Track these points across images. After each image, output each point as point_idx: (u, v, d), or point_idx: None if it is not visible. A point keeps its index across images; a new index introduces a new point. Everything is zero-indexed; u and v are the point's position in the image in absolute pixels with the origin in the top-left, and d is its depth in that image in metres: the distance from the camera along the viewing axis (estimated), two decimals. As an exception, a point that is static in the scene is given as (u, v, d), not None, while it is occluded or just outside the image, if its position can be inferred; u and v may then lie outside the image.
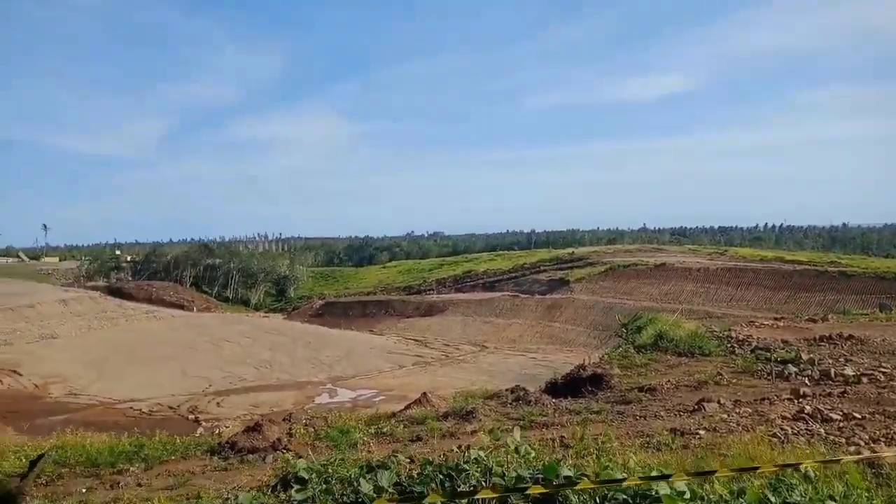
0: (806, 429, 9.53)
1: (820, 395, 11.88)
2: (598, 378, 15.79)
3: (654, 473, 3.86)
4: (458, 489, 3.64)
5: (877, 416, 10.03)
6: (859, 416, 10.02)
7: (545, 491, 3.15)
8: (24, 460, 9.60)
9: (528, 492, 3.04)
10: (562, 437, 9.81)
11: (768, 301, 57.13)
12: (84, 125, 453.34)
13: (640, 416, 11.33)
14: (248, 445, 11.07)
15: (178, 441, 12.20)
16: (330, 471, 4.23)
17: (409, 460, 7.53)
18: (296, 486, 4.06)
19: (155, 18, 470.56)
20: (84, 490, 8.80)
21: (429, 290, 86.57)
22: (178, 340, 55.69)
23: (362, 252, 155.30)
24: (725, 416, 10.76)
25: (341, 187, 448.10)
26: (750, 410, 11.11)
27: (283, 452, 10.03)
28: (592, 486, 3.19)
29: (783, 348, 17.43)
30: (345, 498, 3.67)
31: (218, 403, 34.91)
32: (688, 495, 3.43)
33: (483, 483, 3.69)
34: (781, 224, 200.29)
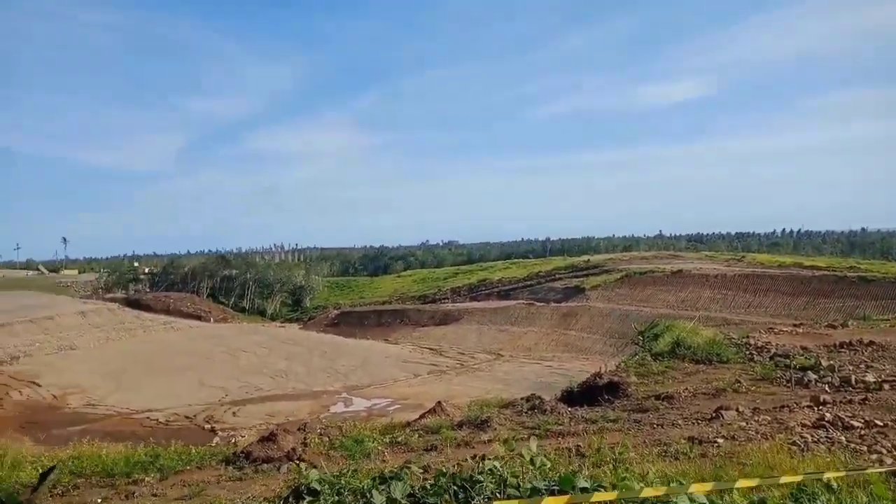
0: (826, 437, 9.36)
1: (840, 402, 11.67)
2: (614, 386, 15.63)
3: (672, 484, 3.79)
4: (473, 501, 3.59)
5: (900, 423, 9.83)
6: (881, 424, 9.82)
7: (561, 502, 3.09)
8: (40, 471, 9.65)
9: None
10: (578, 446, 9.70)
11: (787, 307, 56.49)
12: (103, 139, 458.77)
13: (658, 425, 11.19)
14: (262, 455, 11.05)
15: (194, 451, 12.19)
16: (343, 482, 4.19)
17: (423, 470, 7.48)
18: (308, 498, 4.03)
19: (173, 33, 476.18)
20: (99, 500, 8.81)
21: (444, 298, 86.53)
22: (196, 351, 56.05)
23: (377, 262, 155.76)
24: (744, 424, 10.60)
25: (356, 197, 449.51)
26: (769, 418, 10.94)
27: (296, 463, 10.00)
28: (609, 496, 3.12)
29: (802, 355, 17.18)
30: (357, 509, 3.63)
31: (234, 413, 35.05)
32: (707, 506, 3.36)
33: (497, 495, 3.63)
34: (799, 229, 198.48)
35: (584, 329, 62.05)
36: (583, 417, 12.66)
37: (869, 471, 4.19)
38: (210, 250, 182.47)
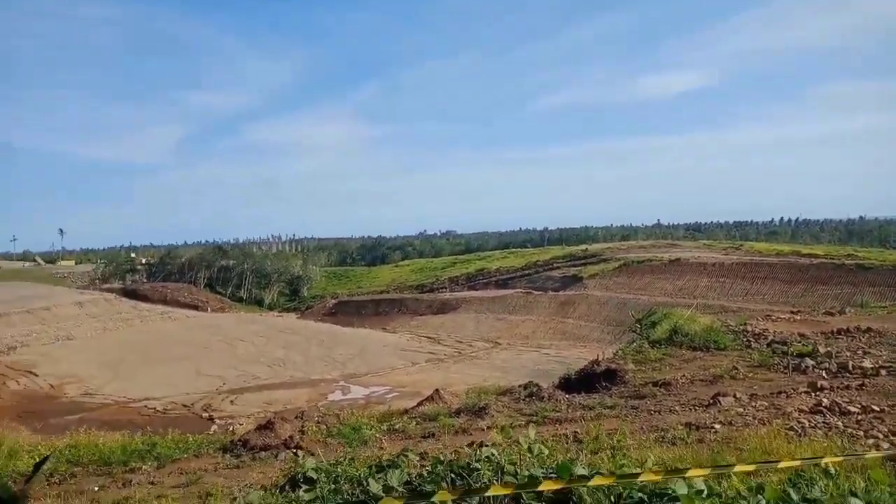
0: (823, 422, 9.38)
1: (837, 388, 11.71)
2: (612, 373, 15.66)
3: (670, 470, 3.76)
4: (470, 488, 3.56)
5: (896, 409, 9.85)
6: (878, 409, 9.85)
7: (559, 488, 3.06)
8: (37, 459, 9.64)
9: (541, 488, 2.95)
10: (575, 432, 9.71)
11: (785, 295, 56.59)
12: (101, 133, 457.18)
13: (655, 411, 11.21)
14: (260, 443, 11.05)
15: (191, 439, 12.21)
16: (339, 470, 4.17)
17: (419, 457, 7.47)
18: (304, 486, 4.00)
19: (173, 28, 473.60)
20: (96, 488, 8.81)
21: (441, 288, 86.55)
22: (193, 340, 56.03)
23: (375, 251, 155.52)
24: (741, 409, 10.63)
25: (354, 188, 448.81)
26: (766, 404, 10.97)
27: (293, 451, 9.99)
28: (607, 482, 3.09)
29: (800, 342, 17.23)
30: (354, 498, 3.60)
31: (232, 401, 35.06)
32: (705, 493, 3.33)
33: (495, 482, 3.60)
34: (797, 218, 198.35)
35: (581, 317, 62.13)
36: (580, 404, 12.67)
37: (867, 456, 4.17)
38: (207, 241, 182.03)
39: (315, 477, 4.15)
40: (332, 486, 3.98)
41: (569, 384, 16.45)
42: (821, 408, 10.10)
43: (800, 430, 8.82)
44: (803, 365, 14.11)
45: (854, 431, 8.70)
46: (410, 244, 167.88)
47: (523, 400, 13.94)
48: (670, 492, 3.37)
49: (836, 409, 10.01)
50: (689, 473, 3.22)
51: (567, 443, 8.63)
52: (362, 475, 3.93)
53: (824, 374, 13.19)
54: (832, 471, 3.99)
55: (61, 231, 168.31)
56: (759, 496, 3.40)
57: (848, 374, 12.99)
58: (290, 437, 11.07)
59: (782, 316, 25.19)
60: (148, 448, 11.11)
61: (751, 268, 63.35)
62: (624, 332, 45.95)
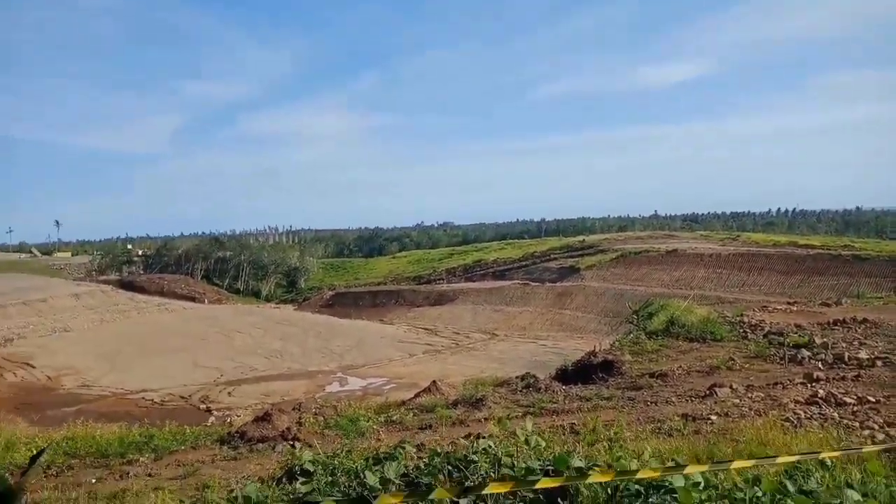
0: (819, 413, 9.41)
1: (833, 379, 11.74)
2: (608, 364, 15.69)
3: (668, 463, 3.76)
4: (467, 482, 3.56)
5: (891, 399, 9.90)
6: (874, 400, 9.89)
7: (557, 485, 3.05)
8: (34, 451, 9.63)
9: (538, 486, 2.94)
10: (572, 424, 9.74)
11: (781, 286, 56.69)
12: (99, 123, 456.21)
13: (652, 402, 11.24)
14: (257, 435, 11.06)
15: (188, 431, 12.21)
16: (336, 462, 4.16)
17: (417, 448, 7.47)
18: (301, 479, 3.99)
19: (173, 17, 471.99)
20: (94, 480, 8.81)
21: (439, 279, 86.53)
22: (190, 332, 56.01)
23: (372, 243, 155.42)
24: (738, 400, 10.65)
25: (352, 180, 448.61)
26: (762, 395, 11.00)
27: (290, 443, 10.00)
28: (604, 478, 3.09)
29: (796, 333, 17.27)
30: (350, 490, 3.59)
31: (229, 393, 35.08)
32: (702, 485, 3.33)
33: (492, 475, 3.60)
34: (794, 209, 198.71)
35: (578, 308, 62.20)
36: (577, 395, 12.70)
37: (865, 449, 4.17)
38: (204, 232, 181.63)
39: (312, 469, 4.15)
40: (329, 478, 3.97)
41: (566, 375, 16.49)
42: (817, 399, 10.13)
43: (796, 421, 8.85)
44: (799, 356, 14.15)
45: (850, 422, 8.73)
46: (408, 235, 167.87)
47: (520, 391, 13.97)
48: (667, 484, 3.37)
49: (832, 400, 10.04)
50: (687, 470, 3.22)
51: (564, 434, 8.65)
52: (359, 467, 3.92)
53: (820, 366, 13.23)
54: (828, 462, 4.00)
55: (57, 222, 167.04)
56: (756, 488, 3.40)
57: (844, 366, 13.03)
58: (288, 428, 11.08)
59: (779, 307, 25.25)
60: (145, 440, 11.11)
61: (748, 259, 63.42)
62: (621, 324, 46.04)
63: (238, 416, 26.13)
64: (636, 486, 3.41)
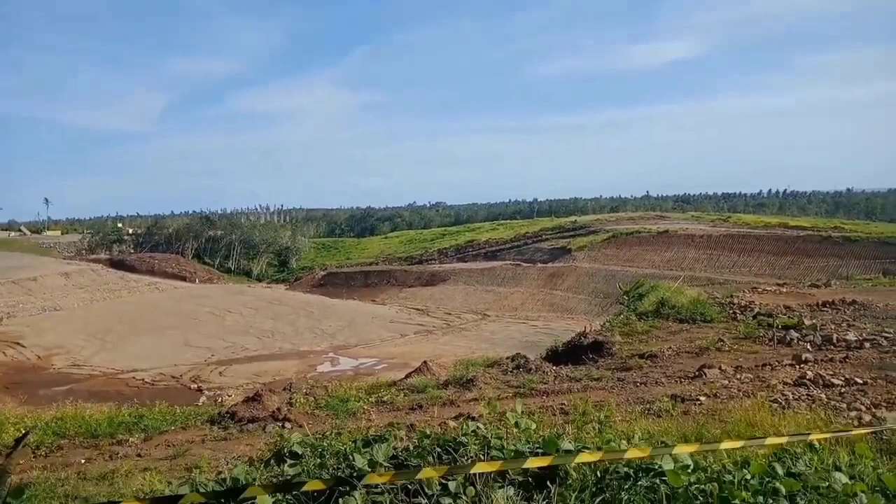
0: (807, 394, 9.47)
1: (822, 360, 11.82)
2: (598, 345, 15.76)
3: (658, 445, 3.76)
4: (457, 463, 3.55)
5: (879, 381, 9.96)
6: (861, 382, 9.96)
7: (545, 464, 3.05)
8: (23, 431, 9.59)
9: (526, 465, 2.93)
10: (562, 404, 9.77)
11: (771, 267, 57.04)
12: (86, 100, 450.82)
13: (641, 383, 11.29)
14: (248, 415, 11.05)
15: (178, 411, 12.17)
16: (325, 445, 4.14)
17: (407, 429, 7.49)
18: (290, 461, 3.97)
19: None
20: (83, 461, 8.78)
21: (430, 259, 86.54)
22: (181, 311, 55.91)
23: (364, 223, 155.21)
24: (726, 382, 10.71)
25: (343, 158, 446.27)
26: (751, 376, 11.06)
27: (280, 425, 10.00)
28: (593, 458, 3.08)
29: (785, 314, 17.37)
30: (339, 473, 3.57)
31: (220, 373, 35.11)
32: (691, 467, 3.34)
33: (481, 457, 3.59)
34: (785, 190, 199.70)
35: (569, 289, 62.43)
36: (567, 376, 12.75)
37: (854, 432, 4.19)
38: (194, 211, 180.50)
39: (300, 451, 4.13)
40: (318, 460, 3.96)
41: (556, 356, 16.55)
42: (805, 380, 10.19)
43: (784, 403, 8.91)
44: (788, 337, 14.23)
45: (837, 404, 8.79)
46: (399, 215, 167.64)
47: (511, 372, 14.00)
48: (656, 466, 3.38)
49: (820, 381, 10.11)
50: (676, 450, 3.22)
51: (554, 415, 8.68)
52: (348, 450, 3.90)
53: (809, 347, 13.31)
54: (817, 445, 4.01)
55: (47, 200, 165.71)
56: (745, 470, 3.41)
57: (832, 347, 13.11)
58: (278, 409, 11.07)
59: (768, 288, 25.39)
60: (135, 420, 11.07)
61: (738, 240, 63.70)
62: (611, 304, 46.28)
63: (229, 396, 26.17)
64: (625, 469, 3.42)
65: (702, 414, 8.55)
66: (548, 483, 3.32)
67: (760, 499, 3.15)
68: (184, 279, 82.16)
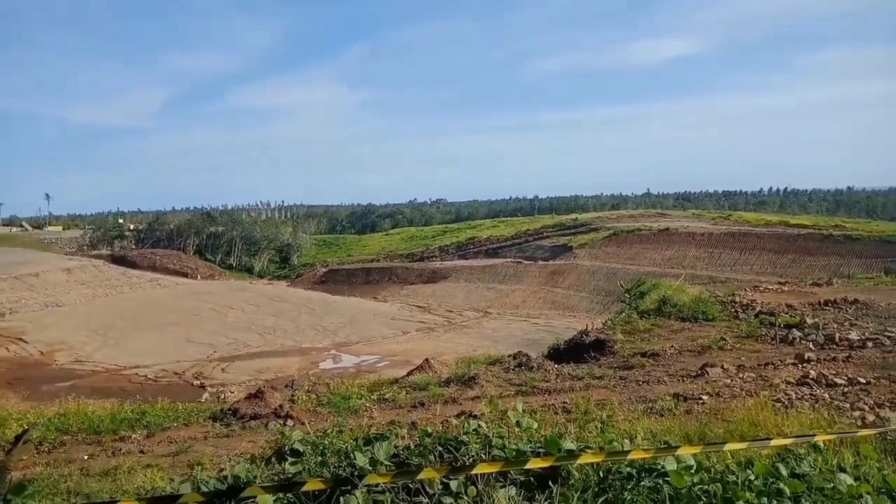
0: (810, 394, 9.45)
1: (824, 359, 11.79)
2: (600, 343, 15.73)
3: (660, 445, 3.74)
4: (458, 462, 3.53)
5: (882, 380, 9.94)
6: (864, 381, 9.93)
7: (546, 465, 3.03)
8: (25, 428, 9.59)
9: (528, 466, 2.92)
10: (564, 403, 9.76)
11: (773, 265, 56.98)
12: (86, 95, 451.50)
13: (643, 382, 11.27)
14: (250, 412, 11.05)
15: (181, 407, 12.18)
16: (326, 443, 4.13)
17: (409, 427, 7.47)
18: (291, 459, 3.96)
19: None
20: (86, 457, 8.79)
21: (432, 256, 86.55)
22: (183, 308, 55.93)
23: (365, 219, 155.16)
24: (729, 381, 10.69)
25: (344, 155, 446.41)
26: (754, 375, 11.04)
27: (282, 422, 10.00)
28: (595, 459, 3.07)
29: (787, 313, 17.34)
30: (340, 471, 3.57)
31: (223, 369, 35.15)
32: (694, 468, 3.32)
33: (483, 456, 3.58)
34: (786, 188, 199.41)
35: (571, 287, 62.41)
36: (569, 374, 12.73)
37: (860, 433, 4.17)
38: (195, 207, 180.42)
39: (301, 449, 4.13)
40: (319, 458, 3.95)
41: (558, 354, 16.53)
42: (807, 379, 10.17)
43: (787, 402, 8.89)
44: (790, 336, 14.20)
45: (840, 403, 8.77)
46: (400, 212, 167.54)
47: (513, 370, 13.99)
48: (659, 467, 3.36)
49: (823, 380, 10.08)
50: (679, 452, 3.20)
51: (556, 413, 8.67)
52: (349, 448, 3.89)
53: (811, 346, 13.28)
54: (821, 445, 3.99)
55: (48, 196, 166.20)
56: (748, 471, 3.39)
57: (835, 346, 13.09)
58: (280, 406, 11.07)
59: (770, 287, 25.35)
60: (138, 416, 11.07)
61: (739, 238, 63.63)
62: (613, 302, 46.30)
63: (232, 393, 26.21)
64: (628, 469, 3.40)
65: (704, 413, 8.53)
66: (550, 483, 3.31)
67: (764, 500, 3.14)
68: (185, 275, 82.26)
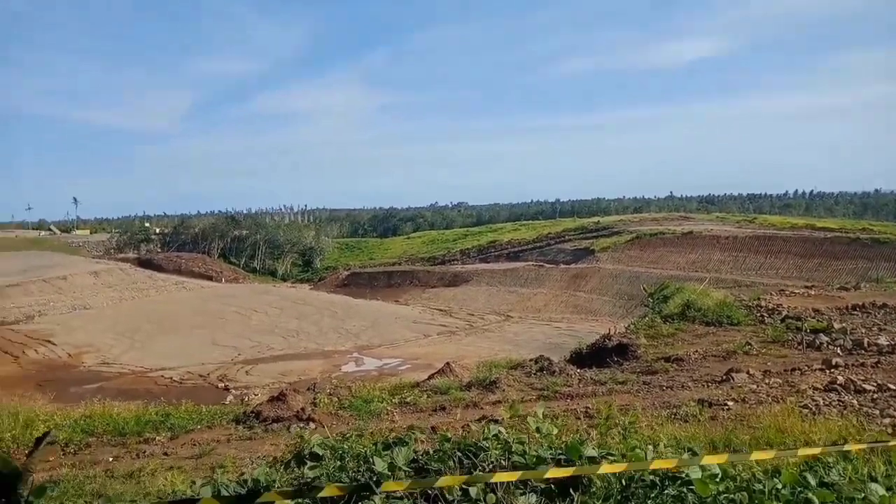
0: (838, 400, 9.26)
1: (852, 365, 11.56)
2: (623, 348, 15.58)
3: (684, 452, 3.67)
4: (477, 469, 3.50)
5: (913, 387, 9.71)
6: (894, 388, 9.71)
7: (565, 475, 2.99)
8: (52, 429, 9.73)
9: (547, 475, 2.88)
10: (586, 408, 9.67)
11: (799, 269, 56.06)
12: (112, 100, 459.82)
13: (667, 387, 11.13)
14: (272, 415, 11.10)
15: (204, 410, 12.28)
16: (345, 447, 4.12)
17: (430, 431, 7.45)
18: (310, 463, 3.96)
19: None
20: (111, 459, 8.90)
21: (453, 260, 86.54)
22: (208, 310, 56.55)
23: (387, 223, 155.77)
24: (755, 386, 10.52)
25: (364, 158, 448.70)
26: (780, 381, 10.85)
27: (304, 425, 10.03)
28: (617, 469, 3.02)
29: (814, 317, 17.03)
30: (359, 476, 3.55)
31: (247, 372, 35.45)
32: (719, 476, 3.25)
33: (502, 462, 3.54)
34: (812, 191, 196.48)
35: (593, 291, 61.98)
36: (592, 379, 12.62)
37: (893, 443, 4.06)
38: (220, 211, 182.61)
39: (321, 453, 4.12)
40: (338, 462, 3.95)
41: (580, 358, 16.41)
42: (835, 385, 9.97)
43: (814, 408, 8.72)
44: (818, 341, 13.94)
45: (869, 410, 8.58)
46: (422, 216, 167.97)
47: (534, 374, 13.90)
48: (683, 475, 3.30)
49: (851, 386, 9.88)
50: (704, 461, 3.14)
51: (579, 419, 8.59)
52: (368, 453, 3.88)
53: (839, 351, 13.03)
54: (851, 453, 3.90)
55: (75, 200, 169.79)
56: (775, 480, 3.32)
57: (863, 352, 12.82)
58: (302, 409, 11.11)
59: (796, 291, 24.93)
60: (162, 419, 11.19)
61: (764, 241, 62.74)
62: (636, 306, 45.86)
63: (255, 395, 26.41)
64: (651, 477, 3.34)
65: (730, 419, 8.40)
66: (571, 490, 3.26)
67: (792, 510, 3.07)
68: (210, 278, 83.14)
